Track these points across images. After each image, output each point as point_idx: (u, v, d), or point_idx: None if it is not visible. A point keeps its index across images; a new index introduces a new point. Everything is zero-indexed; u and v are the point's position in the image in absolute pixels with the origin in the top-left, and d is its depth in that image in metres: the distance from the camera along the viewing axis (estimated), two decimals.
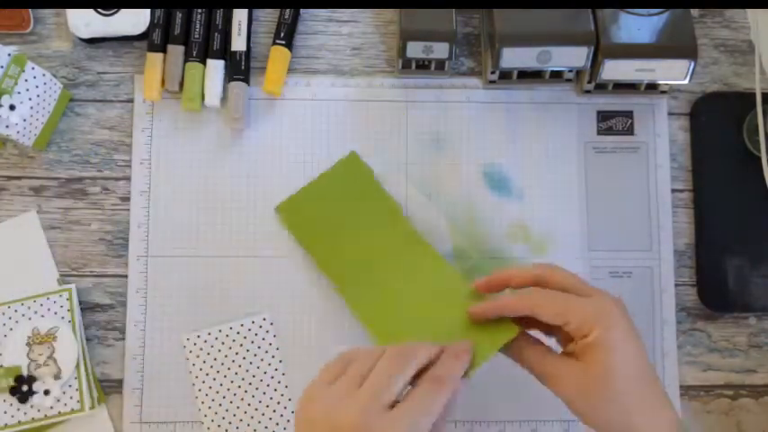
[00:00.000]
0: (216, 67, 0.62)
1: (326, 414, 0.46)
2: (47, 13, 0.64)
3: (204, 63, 0.62)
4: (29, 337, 0.59)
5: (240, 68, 0.62)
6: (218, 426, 0.59)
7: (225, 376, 0.60)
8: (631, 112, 0.64)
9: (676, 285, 0.62)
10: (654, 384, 0.49)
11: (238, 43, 0.62)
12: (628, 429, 0.48)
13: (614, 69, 0.59)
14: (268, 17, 0.65)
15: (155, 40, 0.62)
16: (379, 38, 0.65)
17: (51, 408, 0.58)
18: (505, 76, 0.63)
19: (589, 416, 0.49)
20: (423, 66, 0.63)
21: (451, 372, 0.48)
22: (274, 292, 0.61)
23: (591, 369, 0.48)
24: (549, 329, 0.53)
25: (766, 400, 0.62)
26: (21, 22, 0.63)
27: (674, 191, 0.63)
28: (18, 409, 0.58)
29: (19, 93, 0.58)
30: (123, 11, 0.62)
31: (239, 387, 0.60)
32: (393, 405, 0.45)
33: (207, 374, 0.60)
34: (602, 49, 0.58)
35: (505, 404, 0.60)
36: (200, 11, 0.63)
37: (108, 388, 0.60)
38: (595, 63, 0.59)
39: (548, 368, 0.50)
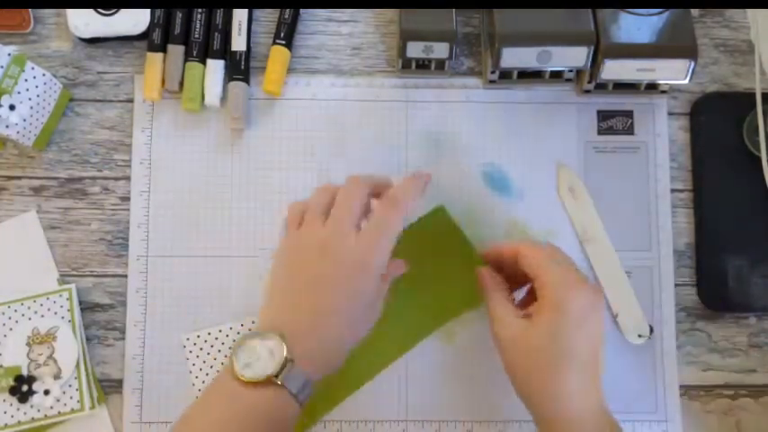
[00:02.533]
0: (216, 67, 0.62)
1: (293, 252, 0.52)
2: (47, 13, 0.64)
3: (204, 63, 0.62)
4: (29, 337, 0.59)
5: (240, 68, 0.62)
6: None
7: None
8: (631, 112, 0.64)
9: (676, 285, 0.62)
10: (574, 376, 0.50)
11: (238, 43, 0.62)
12: (526, 396, 0.52)
13: (614, 69, 0.59)
14: (268, 17, 0.65)
15: (155, 39, 0.62)
16: (379, 38, 0.65)
17: (51, 408, 0.58)
18: (505, 75, 0.63)
19: (509, 369, 0.53)
20: (423, 66, 0.63)
21: (406, 192, 0.53)
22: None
23: (531, 325, 0.51)
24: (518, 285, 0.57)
25: (766, 400, 0.62)
26: (21, 22, 0.63)
27: (673, 191, 0.63)
28: (18, 409, 0.58)
29: (19, 93, 0.58)
30: (123, 11, 0.62)
31: None
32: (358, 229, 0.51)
33: (207, 374, 0.60)
34: (603, 48, 0.58)
35: (505, 404, 0.60)
36: (200, 11, 0.63)
37: (108, 388, 0.60)
38: (595, 63, 0.59)
39: (499, 311, 0.53)
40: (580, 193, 0.61)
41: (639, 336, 0.61)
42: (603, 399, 0.52)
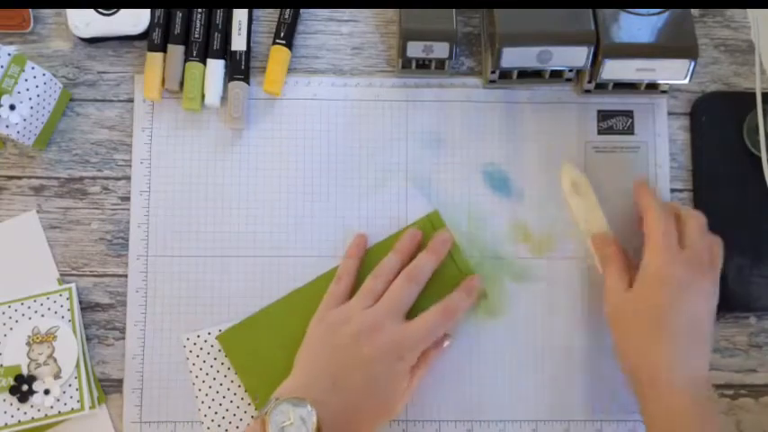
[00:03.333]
0: (216, 67, 0.62)
1: (334, 328, 0.55)
2: (47, 13, 0.64)
3: (204, 63, 0.62)
4: (29, 337, 0.59)
5: (240, 68, 0.62)
6: (218, 426, 0.59)
7: (225, 376, 0.60)
8: (631, 112, 0.64)
9: None
10: (671, 347, 0.53)
11: (238, 43, 0.62)
12: (627, 364, 0.55)
13: (614, 69, 0.59)
14: (268, 17, 0.65)
15: (155, 39, 0.62)
16: (379, 38, 0.65)
17: (51, 407, 0.58)
18: (505, 75, 0.63)
19: (615, 336, 0.56)
20: (423, 65, 0.63)
21: (460, 305, 0.58)
22: (274, 292, 0.61)
23: (632, 296, 0.55)
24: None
25: (766, 400, 0.62)
26: (21, 22, 0.63)
27: (673, 191, 0.63)
28: (18, 409, 0.58)
29: (19, 92, 0.58)
30: (123, 11, 0.62)
31: (239, 387, 0.60)
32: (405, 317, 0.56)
33: (207, 374, 0.60)
34: (603, 48, 0.58)
35: (505, 404, 0.60)
36: (200, 11, 0.63)
37: (108, 388, 0.60)
38: (595, 63, 0.59)
39: (609, 282, 0.57)
40: (583, 187, 0.61)
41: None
42: (704, 370, 0.54)
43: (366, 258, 0.61)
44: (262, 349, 0.59)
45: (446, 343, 0.59)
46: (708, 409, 0.52)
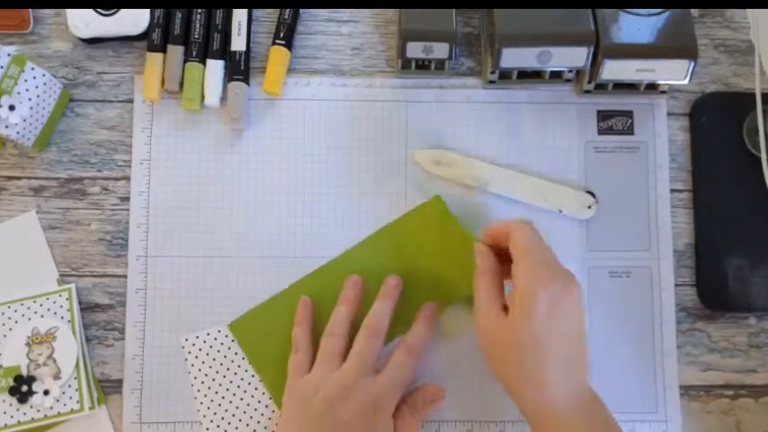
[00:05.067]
0: (216, 68, 0.62)
1: (308, 397, 0.54)
2: (47, 13, 0.64)
3: (204, 63, 0.62)
4: (28, 337, 0.59)
5: (240, 68, 0.62)
6: (218, 426, 0.59)
7: (224, 376, 0.60)
8: (631, 112, 0.64)
9: (676, 285, 0.62)
10: (551, 368, 0.51)
11: (238, 43, 0.62)
12: (507, 388, 0.54)
13: (614, 69, 0.59)
14: (268, 17, 0.65)
15: (155, 40, 0.62)
16: (379, 38, 0.65)
17: (51, 408, 0.58)
18: (505, 76, 0.63)
19: (488, 359, 0.55)
20: (423, 66, 0.63)
21: (421, 341, 0.57)
22: (274, 292, 0.61)
23: (505, 322, 0.52)
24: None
25: (766, 400, 0.62)
26: (21, 22, 0.63)
27: (673, 191, 0.63)
28: (17, 410, 0.58)
29: (19, 93, 0.58)
30: (123, 11, 0.62)
31: (239, 387, 0.60)
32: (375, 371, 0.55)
33: (206, 375, 0.60)
34: (602, 49, 0.58)
35: (505, 404, 0.60)
36: (199, 11, 0.63)
37: (108, 388, 0.60)
38: (595, 63, 0.59)
39: (481, 299, 0.54)
40: (448, 157, 0.61)
41: (589, 207, 0.61)
42: (587, 386, 0.53)
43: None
44: (273, 336, 0.60)
45: (439, 403, 0.58)
46: (600, 419, 0.52)
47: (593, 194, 0.61)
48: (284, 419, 0.56)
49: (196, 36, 0.62)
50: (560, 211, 0.61)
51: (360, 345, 0.56)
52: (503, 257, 0.56)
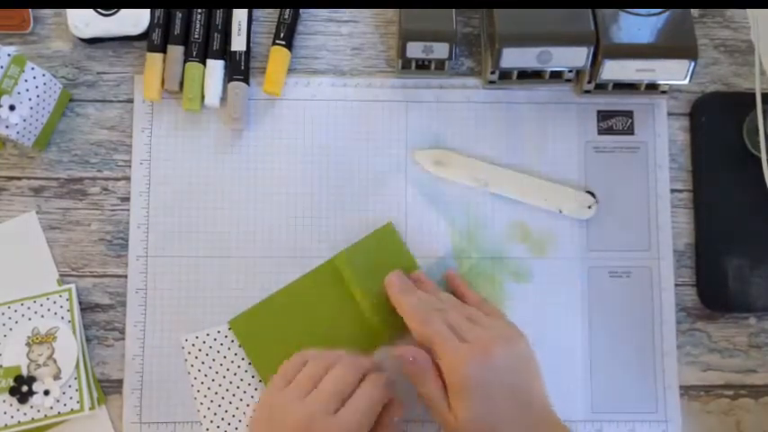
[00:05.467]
0: (216, 68, 0.62)
1: (275, 415, 0.51)
2: (47, 13, 0.64)
3: (204, 63, 0.62)
4: (29, 338, 0.59)
5: (240, 68, 0.62)
6: (218, 426, 0.59)
7: (224, 376, 0.60)
8: (631, 112, 0.64)
9: (676, 285, 0.62)
10: None
11: (238, 43, 0.62)
12: None
13: (614, 69, 0.59)
14: (268, 17, 0.65)
15: (155, 40, 0.62)
16: (378, 38, 0.65)
17: (51, 408, 0.58)
18: (505, 76, 0.63)
19: None
20: (423, 66, 0.63)
21: (391, 377, 0.54)
22: (273, 291, 0.61)
23: (455, 417, 0.51)
24: None
25: (766, 400, 0.62)
26: (21, 22, 0.63)
27: (673, 191, 0.63)
28: (18, 410, 0.58)
29: (19, 93, 0.58)
30: (123, 11, 0.62)
31: (238, 387, 0.60)
32: (337, 409, 0.51)
33: (206, 375, 0.60)
34: (602, 49, 0.58)
35: None
36: (200, 11, 0.63)
37: (108, 388, 0.60)
38: (595, 63, 0.59)
39: (431, 400, 0.52)
40: (449, 157, 0.61)
41: (589, 207, 0.61)
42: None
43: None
44: (273, 333, 0.60)
45: (397, 417, 0.54)
46: None
47: (593, 194, 0.61)
48: (255, 423, 0.53)
49: (196, 36, 0.62)
50: (560, 211, 0.62)
51: (328, 381, 0.52)
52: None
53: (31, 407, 0.58)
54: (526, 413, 0.51)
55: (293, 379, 0.53)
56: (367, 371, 0.54)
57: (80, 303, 0.61)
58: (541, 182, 0.62)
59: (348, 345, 0.57)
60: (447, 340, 0.52)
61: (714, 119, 0.64)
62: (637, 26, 0.59)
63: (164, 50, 0.62)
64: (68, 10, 0.62)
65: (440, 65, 0.62)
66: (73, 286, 0.60)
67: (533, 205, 0.62)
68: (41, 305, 0.60)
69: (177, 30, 0.62)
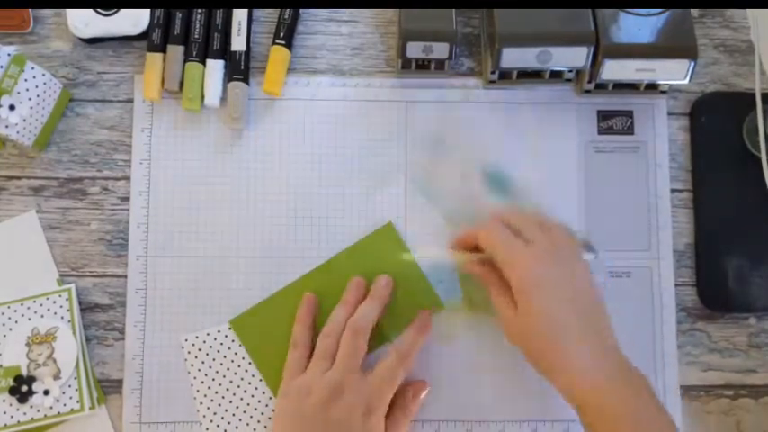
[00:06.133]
0: (216, 67, 0.62)
1: (307, 388, 0.55)
2: (47, 13, 0.64)
3: (204, 63, 0.62)
4: (28, 337, 0.59)
5: (240, 68, 0.62)
6: (218, 426, 0.59)
7: (224, 376, 0.60)
8: (631, 112, 0.64)
9: (676, 285, 0.62)
10: (572, 347, 0.51)
11: (238, 43, 0.62)
12: (548, 378, 0.53)
13: (614, 69, 0.59)
14: (268, 17, 0.65)
15: (155, 40, 0.62)
16: (379, 38, 0.65)
17: (51, 408, 0.58)
18: (505, 76, 0.63)
19: (528, 358, 0.54)
20: (423, 66, 0.63)
21: (414, 346, 0.57)
22: (274, 292, 0.61)
23: (517, 315, 0.53)
24: None
25: (766, 400, 0.62)
26: (21, 22, 0.63)
27: (673, 191, 0.63)
28: (17, 410, 0.58)
29: (19, 93, 0.58)
30: (123, 11, 0.62)
31: (239, 387, 0.60)
32: (363, 369, 0.55)
33: (206, 375, 0.60)
34: (602, 49, 0.58)
35: (505, 404, 0.60)
36: (199, 11, 0.63)
37: (107, 388, 0.60)
38: (595, 63, 0.59)
39: (499, 308, 0.55)
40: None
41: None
42: (618, 355, 0.52)
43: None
44: (273, 333, 0.60)
45: (423, 393, 0.59)
46: (633, 384, 0.51)
47: (591, 247, 0.59)
48: (278, 419, 0.56)
49: (196, 36, 0.62)
50: None
51: (344, 346, 0.56)
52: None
53: (31, 407, 0.58)
54: (584, 320, 0.52)
55: (304, 365, 0.57)
56: (370, 330, 0.57)
57: (80, 303, 0.61)
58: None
59: None
60: (513, 245, 0.54)
61: (714, 119, 0.64)
62: (637, 26, 0.59)
63: (164, 50, 0.62)
64: (68, 10, 0.62)
65: (440, 65, 0.62)
66: (73, 286, 0.60)
67: None
68: (41, 305, 0.60)
69: (177, 30, 0.62)
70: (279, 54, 0.62)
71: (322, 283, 0.61)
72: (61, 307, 0.60)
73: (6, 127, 0.57)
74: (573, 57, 0.59)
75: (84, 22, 0.62)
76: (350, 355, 0.56)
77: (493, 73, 0.62)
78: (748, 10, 0.60)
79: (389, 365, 0.56)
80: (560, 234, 0.56)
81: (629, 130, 0.64)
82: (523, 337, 0.54)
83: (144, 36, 0.63)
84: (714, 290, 0.62)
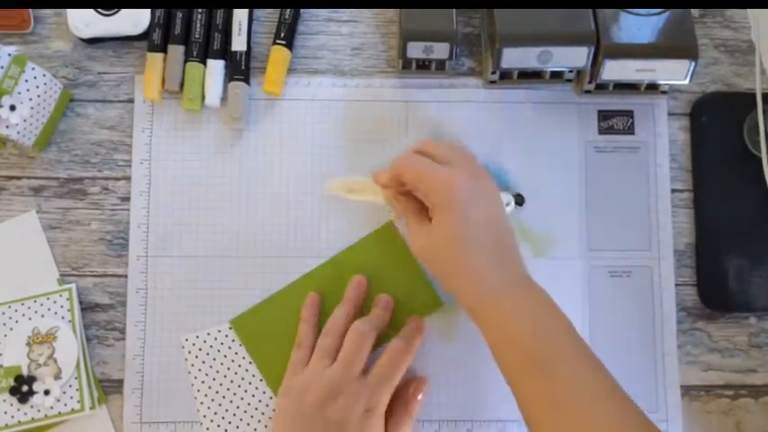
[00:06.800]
0: (216, 67, 0.62)
1: (307, 387, 0.55)
2: (47, 13, 0.64)
3: (204, 63, 0.62)
4: (29, 337, 0.59)
5: (240, 68, 0.62)
6: (218, 426, 0.59)
7: (224, 376, 0.60)
8: (632, 112, 0.64)
9: (676, 285, 0.62)
10: (481, 259, 0.53)
11: (238, 43, 0.62)
12: (452, 291, 0.55)
13: (615, 69, 0.59)
14: (268, 17, 0.65)
15: (155, 40, 0.62)
16: (379, 38, 0.65)
17: (51, 408, 0.58)
18: (506, 76, 0.63)
19: (432, 271, 0.57)
20: (423, 66, 0.63)
21: (412, 344, 0.58)
22: (274, 292, 0.61)
23: (430, 230, 0.54)
24: None
25: (766, 400, 0.62)
26: (21, 22, 0.63)
27: (673, 191, 0.63)
28: (18, 410, 0.58)
29: (19, 93, 0.58)
30: (123, 11, 0.62)
31: (239, 387, 0.60)
32: (363, 372, 0.56)
33: (206, 375, 0.60)
34: (603, 49, 0.58)
35: (505, 404, 0.60)
36: (200, 11, 0.63)
37: (108, 388, 0.60)
38: (596, 63, 0.59)
39: (410, 226, 0.57)
40: (357, 183, 0.62)
41: (506, 204, 0.61)
42: (522, 271, 0.54)
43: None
44: (274, 333, 0.60)
45: (424, 390, 0.59)
46: (532, 290, 0.53)
47: (520, 196, 0.62)
48: (278, 418, 0.57)
49: (197, 36, 0.62)
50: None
51: (347, 345, 0.56)
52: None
53: (32, 406, 0.58)
54: (494, 241, 0.53)
55: (305, 365, 0.57)
56: (375, 335, 0.57)
57: (80, 303, 0.61)
58: None
59: None
60: (435, 167, 0.55)
61: (714, 119, 0.64)
62: (637, 26, 0.59)
63: (164, 50, 0.62)
64: (69, 10, 0.62)
65: (440, 65, 0.62)
66: (73, 286, 0.60)
67: None
68: (42, 305, 0.60)
69: (178, 30, 0.62)
70: (279, 54, 0.63)
71: (322, 282, 0.61)
72: (62, 307, 0.60)
73: (7, 127, 0.57)
74: (573, 57, 0.59)
75: (85, 22, 0.62)
76: (352, 354, 0.56)
77: (493, 73, 0.62)
78: (749, 10, 0.60)
79: (388, 363, 0.56)
80: (479, 165, 0.57)
81: (629, 130, 0.64)
82: (432, 250, 0.55)
83: (144, 36, 0.63)
84: (714, 290, 0.62)
